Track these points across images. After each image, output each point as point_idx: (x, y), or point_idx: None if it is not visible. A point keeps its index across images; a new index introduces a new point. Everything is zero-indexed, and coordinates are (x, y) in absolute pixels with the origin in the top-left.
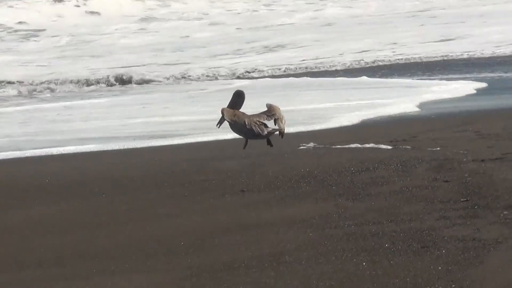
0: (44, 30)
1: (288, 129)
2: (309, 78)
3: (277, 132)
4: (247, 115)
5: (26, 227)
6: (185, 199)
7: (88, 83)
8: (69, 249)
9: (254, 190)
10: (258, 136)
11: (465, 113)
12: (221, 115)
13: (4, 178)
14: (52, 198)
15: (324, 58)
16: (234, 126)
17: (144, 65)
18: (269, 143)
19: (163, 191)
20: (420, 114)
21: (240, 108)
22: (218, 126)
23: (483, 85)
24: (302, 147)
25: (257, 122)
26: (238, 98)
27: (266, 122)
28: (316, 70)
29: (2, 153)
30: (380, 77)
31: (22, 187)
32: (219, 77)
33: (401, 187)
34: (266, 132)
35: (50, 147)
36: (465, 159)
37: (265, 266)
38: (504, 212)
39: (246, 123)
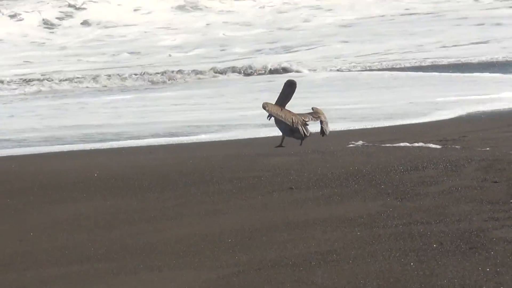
0: None
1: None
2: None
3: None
4: (293, 113)
5: (74, 221)
6: (233, 196)
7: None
8: (116, 244)
9: (302, 187)
10: (298, 135)
11: None
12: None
13: (53, 172)
14: (100, 193)
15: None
16: (279, 122)
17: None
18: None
19: (211, 187)
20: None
21: (290, 98)
22: (268, 118)
23: None
24: (351, 145)
25: (303, 122)
26: (288, 87)
27: (309, 122)
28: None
29: (49, 147)
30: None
31: (70, 181)
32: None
33: (450, 187)
34: (309, 134)
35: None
36: None
37: (312, 265)
38: None
39: (293, 121)
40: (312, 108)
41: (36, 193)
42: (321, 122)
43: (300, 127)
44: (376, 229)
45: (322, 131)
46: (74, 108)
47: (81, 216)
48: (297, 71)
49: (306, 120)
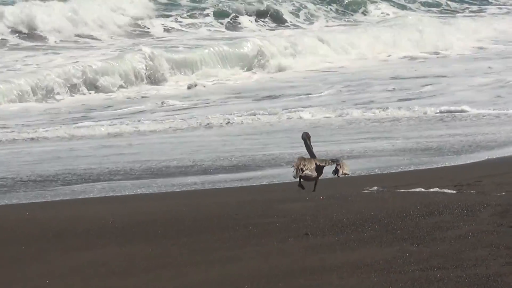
0: None
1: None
2: None
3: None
4: (305, 158)
5: (89, 268)
6: (249, 242)
7: None
8: None
9: (318, 233)
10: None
11: None
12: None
13: (67, 219)
14: (116, 239)
15: None
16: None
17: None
18: (301, 186)
19: (226, 233)
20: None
21: (312, 148)
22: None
23: None
24: (366, 191)
25: (300, 167)
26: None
27: (327, 164)
28: None
29: (63, 194)
30: None
31: (85, 228)
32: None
33: (466, 232)
34: (299, 176)
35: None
36: None
37: None
38: None
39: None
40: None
41: (51, 240)
42: (337, 164)
43: (294, 170)
44: (393, 274)
45: (335, 170)
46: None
47: (97, 263)
48: None
49: (318, 163)
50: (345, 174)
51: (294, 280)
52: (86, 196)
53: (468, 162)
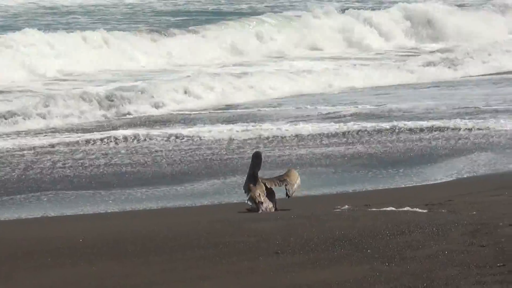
0: None
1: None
2: None
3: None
4: (258, 186)
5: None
6: (219, 261)
7: None
8: None
9: (288, 252)
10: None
11: (501, 176)
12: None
13: (37, 237)
14: (86, 258)
15: None
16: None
17: None
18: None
19: (197, 252)
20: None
21: (259, 168)
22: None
23: None
24: (337, 210)
25: (256, 199)
26: (256, 159)
27: (276, 186)
28: None
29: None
30: None
31: (55, 247)
32: None
33: (437, 251)
34: (260, 211)
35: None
36: (501, 224)
37: None
38: None
39: (250, 199)
40: (287, 170)
41: (21, 258)
42: (285, 185)
43: (249, 206)
44: None
45: (287, 194)
46: None
47: (67, 282)
48: None
49: (270, 186)
50: (295, 190)
51: None
52: (55, 215)
53: (441, 181)
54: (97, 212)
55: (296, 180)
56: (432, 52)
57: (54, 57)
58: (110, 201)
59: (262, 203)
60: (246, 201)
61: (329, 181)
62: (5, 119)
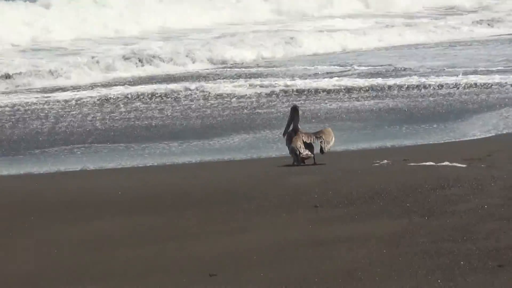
0: None
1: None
2: None
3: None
4: (297, 138)
5: (97, 239)
6: (258, 214)
7: None
8: (140, 263)
9: (327, 206)
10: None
11: None
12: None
13: (76, 190)
14: (124, 211)
15: None
16: (287, 147)
17: None
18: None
19: (235, 205)
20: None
21: (298, 121)
22: (283, 136)
23: None
24: (375, 164)
25: (297, 150)
26: (293, 112)
27: (313, 142)
28: None
29: (73, 165)
30: None
31: (94, 199)
32: None
33: (476, 206)
34: (300, 160)
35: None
36: None
37: (338, 282)
38: None
39: (290, 149)
40: (323, 129)
41: (61, 211)
42: (321, 142)
43: (293, 154)
44: (402, 247)
45: (321, 150)
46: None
47: (105, 234)
48: None
49: (308, 140)
50: (330, 148)
51: (303, 251)
52: (95, 168)
53: (479, 137)
54: (135, 166)
55: (331, 138)
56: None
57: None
58: (146, 155)
59: (301, 154)
60: (289, 152)
61: (367, 136)
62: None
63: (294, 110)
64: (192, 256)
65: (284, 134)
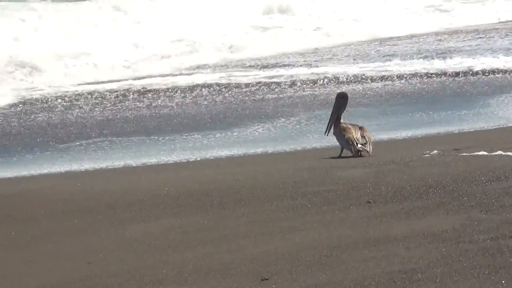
0: None
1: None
2: None
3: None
4: (349, 129)
5: (144, 242)
6: (309, 211)
7: None
8: (189, 265)
9: (380, 201)
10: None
11: None
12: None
13: (120, 189)
14: (170, 211)
15: None
16: (339, 137)
17: None
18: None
19: (285, 202)
20: None
21: (345, 108)
22: (326, 134)
23: None
24: (426, 155)
25: (355, 141)
26: (341, 99)
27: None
28: None
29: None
30: None
31: (138, 199)
32: None
33: None
34: (356, 152)
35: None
36: None
37: (397, 284)
38: None
39: (345, 138)
40: (363, 127)
41: (104, 212)
42: (364, 143)
43: (352, 147)
44: (462, 244)
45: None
46: None
47: (151, 236)
48: None
49: (359, 138)
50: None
51: (357, 251)
52: (138, 164)
53: None
54: (178, 161)
55: (370, 137)
56: None
57: None
58: (188, 148)
59: (357, 144)
60: (346, 144)
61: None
62: None
63: (343, 97)
64: (242, 258)
65: (326, 133)
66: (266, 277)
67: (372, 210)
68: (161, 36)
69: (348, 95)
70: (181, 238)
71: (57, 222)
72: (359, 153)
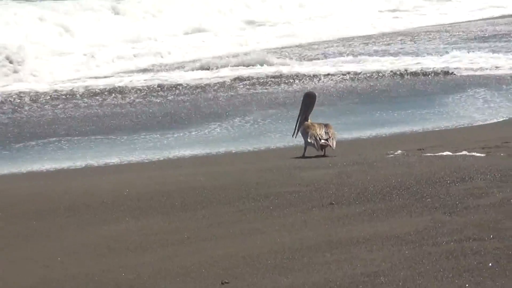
0: None
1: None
2: None
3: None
4: (314, 127)
5: (104, 244)
6: (271, 213)
7: None
8: (149, 268)
9: (343, 203)
10: (314, 147)
11: None
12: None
13: (80, 191)
14: (131, 213)
15: None
16: (303, 134)
17: None
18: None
19: (247, 204)
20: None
21: (312, 108)
22: (294, 136)
23: None
24: (390, 155)
25: (318, 137)
26: (308, 99)
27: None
28: None
29: (76, 162)
30: None
31: (99, 200)
32: None
33: (502, 199)
34: (320, 147)
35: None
36: None
37: None
38: None
39: (309, 135)
40: (328, 125)
41: (63, 214)
42: (329, 138)
43: (313, 141)
44: (425, 247)
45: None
46: None
47: (111, 239)
48: None
49: (322, 133)
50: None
51: (319, 254)
52: (99, 164)
53: (491, 121)
54: (140, 161)
55: (335, 135)
56: None
57: None
58: (149, 146)
59: (321, 140)
60: (308, 140)
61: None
62: None
63: (311, 97)
64: (203, 262)
65: (294, 135)
66: (227, 281)
67: (335, 212)
68: None
69: (316, 94)
70: (141, 241)
71: (15, 225)
72: (323, 148)
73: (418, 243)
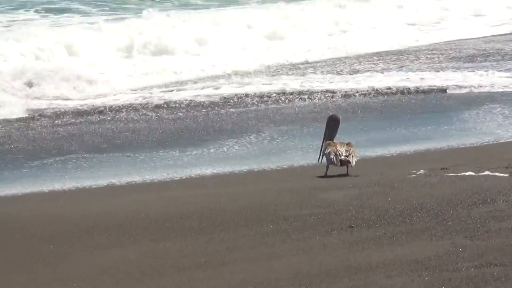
0: None
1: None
2: None
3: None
4: (335, 144)
5: (120, 269)
6: (289, 237)
7: None
8: None
9: (363, 225)
10: (333, 163)
11: None
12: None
13: (98, 213)
14: (148, 236)
15: None
16: (324, 152)
17: None
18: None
19: (265, 227)
20: None
21: (336, 131)
22: (319, 161)
23: None
24: (412, 175)
25: (338, 153)
26: (333, 122)
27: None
28: None
29: (95, 181)
30: None
31: (116, 223)
32: None
33: None
34: (339, 162)
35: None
36: None
37: None
38: None
39: (329, 151)
40: (347, 144)
41: (80, 237)
42: (349, 155)
43: (332, 157)
44: (446, 272)
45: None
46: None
47: (128, 263)
48: None
49: (342, 151)
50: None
51: (338, 279)
52: (118, 183)
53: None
54: (161, 180)
55: (356, 154)
56: None
57: None
58: (170, 164)
59: (341, 156)
60: (328, 157)
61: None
62: None
63: (335, 121)
64: (220, 287)
65: (319, 160)
66: None
67: (354, 235)
68: None
69: (340, 117)
70: (158, 265)
71: (31, 248)
72: (343, 165)
73: (438, 268)
